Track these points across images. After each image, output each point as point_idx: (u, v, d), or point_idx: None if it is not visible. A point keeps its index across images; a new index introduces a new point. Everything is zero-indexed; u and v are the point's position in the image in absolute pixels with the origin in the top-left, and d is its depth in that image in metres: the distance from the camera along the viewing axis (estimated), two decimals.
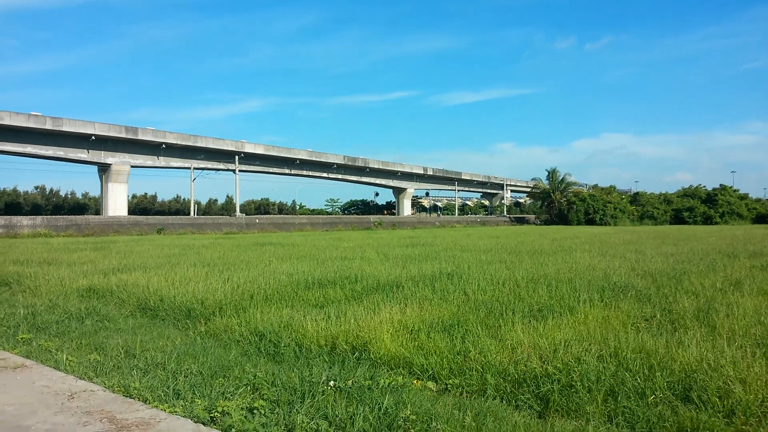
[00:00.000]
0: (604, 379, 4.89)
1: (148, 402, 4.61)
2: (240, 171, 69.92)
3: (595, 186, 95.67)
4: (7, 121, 52.51)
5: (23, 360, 5.90)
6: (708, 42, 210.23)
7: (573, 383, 4.87)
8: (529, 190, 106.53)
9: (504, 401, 4.89)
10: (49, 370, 5.55)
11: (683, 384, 4.80)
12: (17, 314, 8.22)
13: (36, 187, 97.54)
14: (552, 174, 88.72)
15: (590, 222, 77.77)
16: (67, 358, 5.89)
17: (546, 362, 5.32)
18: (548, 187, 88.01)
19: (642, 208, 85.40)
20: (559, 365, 5.17)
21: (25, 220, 43.66)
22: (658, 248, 20.61)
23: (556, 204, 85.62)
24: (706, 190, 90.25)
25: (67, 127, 56.70)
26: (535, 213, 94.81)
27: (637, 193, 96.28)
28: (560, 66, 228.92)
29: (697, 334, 6.11)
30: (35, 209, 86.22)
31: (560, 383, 4.91)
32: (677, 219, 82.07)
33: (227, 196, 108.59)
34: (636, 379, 4.88)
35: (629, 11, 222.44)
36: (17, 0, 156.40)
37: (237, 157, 69.37)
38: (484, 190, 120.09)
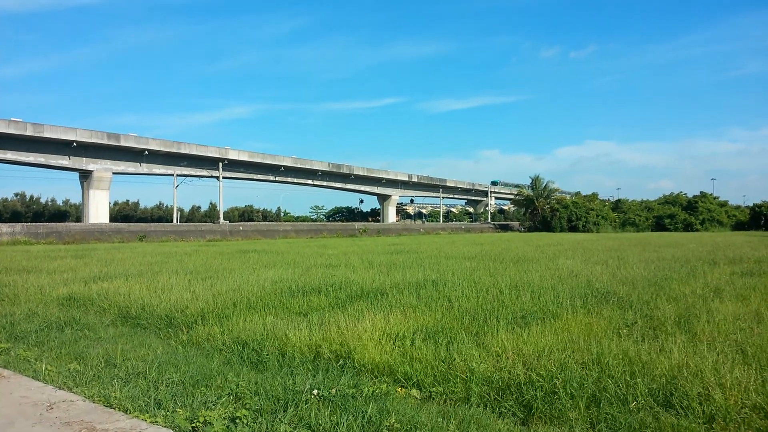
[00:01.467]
0: (587, 386, 4.93)
1: (128, 412, 4.55)
2: (224, 178, 69.57)
3: (578, 193, 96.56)
4: None
5: (1, 370, 5.80)
6: (692, 49, 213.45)
7: (556, 390, 4.89)
8: (513, 197, 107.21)
9: (488, 408, 4.89)
10: (27, 380, 5.46)
11: (665, 390, 4.85)
12: None
13: (16, 194, 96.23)
14: (535, 181, 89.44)
15: (573, 229, 78.39)
16: (46, 368, 5.80)
17: (530, 369, 5.34)
18: (532, 194, 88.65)
19: (624, 215, 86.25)
20: (542, 372, 5.19)
21: (4, 228, 43.01)
22: (640, 255, 20.83)
23: (539, 211, 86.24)
24: (687, 197, 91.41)
25: (48, 134, 56.01)
26: (519, 220, 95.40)
27: (619, 200, 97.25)
28: (545, 74, 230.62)
29: (678, 341, 6.18)
30: (15, 216, 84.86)
31: (543, 390, 4.93)
32: (659, 226, 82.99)
33: (211, 203, 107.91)
34: (618, 386, 4.91)
35: (615, 19, 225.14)
36: (2, 2, 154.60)
37: (221, 163, 69.01)
38: (469, 197, 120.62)
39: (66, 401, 4.79)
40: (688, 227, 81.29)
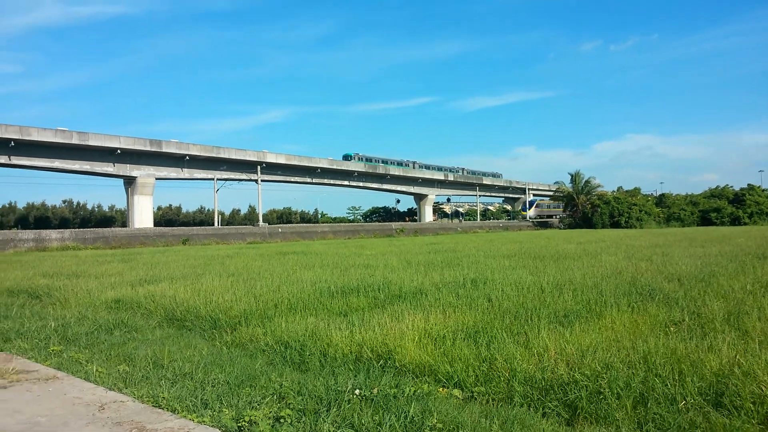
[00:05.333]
0: (634, 385, 4.82)
1: (176, 412, 4.66)
2: (262, 181, 70.52)
3: (620, 188, 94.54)
4: (35, 136, 53.67)
5: (55, 372, 6.00)
6: (734, 38, 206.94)
7: (601, 390, 4.80)
8: (551, 193, 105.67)
9: (531, 409, 4.84)
10: (79, 381, 5.64)
11: (715, 389, 4.71)
12: (48, 327, 8.36)
13: (64, 201, 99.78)
14: (575, 177, 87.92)
15: (615, 225, 76.78)
16: (96, 370, 5.98)
17: (573, 369, 5.25)
18: (571, 190, 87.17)
19: (668, 209, 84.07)
20: (586, 372, 5.10)
21: (53, 234, 44.52)
22: (686, 250, 20.26)
23: (579, 207, 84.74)
24: (733, 190, 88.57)
25: (93, 141, 57.73)
26: (558, 217, 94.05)
27: (662, 195, 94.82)
28: (584, 68, 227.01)
29: (727, 338, 5.99)
30: (63, 223, 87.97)
31: (588, 390, 4.85)
32: (704, 220, 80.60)
33: (250, 206, 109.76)
34: (666, 385, 4.79)
35: (656, 10, 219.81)
36: (42, 17, 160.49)
37: (259, 167, 69.99)
38: (506, 195, 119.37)
39: (116, 402, 4.93)
40: (735, 221, 78.71)
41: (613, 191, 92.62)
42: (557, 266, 14.72)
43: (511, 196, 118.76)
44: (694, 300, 8.66)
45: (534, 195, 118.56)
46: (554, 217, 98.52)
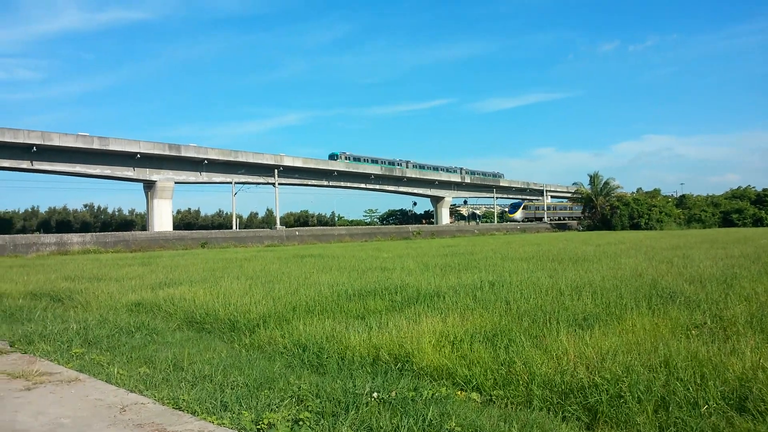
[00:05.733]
0: (655, 389, 4.76)
1: (196, 414, 4.70)
2: (279, 184, 70.93)
3: (639, 189, 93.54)
4: (57, 141, 54.55)
5: (77, 374, 6.10)
6: (753, 36, 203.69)
7: (622, 393, 4.75)
8: (570, 195, 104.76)
9: (550, 413, 4.81)
10: (101, 383, 5.72)
11: (738, 393, 4.64)
12: (70, 329, 8.48)
13: (85, 205, 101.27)
14: (594, 178, 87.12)
15: (635, 227, 75.93)
16: (118, 372, 6.06)
17: (593, 372, 5.21)
18: (590, 191, 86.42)
19: (689, 211, 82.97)
20: (607, 375, 5.05)
21: (75, 237, 45.14)
22: (707, 252, 19.98)
23: (598, 209, 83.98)
24: (755, 191, 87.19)
25: (113, 146, 58.57)
26: (576, 219, 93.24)
27: (683, 196, 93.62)
28: (602, 69, 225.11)
29: (750, 342, 5.89)
30: (84, 226, 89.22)
31: (609, 393, 4.80)
32: (726, 222, 79.43)
33: (267, 209, 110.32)
34: (688, 389, 4.73)
35: (675, 9, 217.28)
36: (63, 24, 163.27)
37: (276, 170, 70.42)
38: (524, 197, 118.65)
39: (138, 404, 4.99)
40: (757, 222, 77.49)
41: (633, 192, 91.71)
42: (576, 269, 14.60)
43: (529, 197, 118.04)
44: (716, 303, 8.54)
45: (552, 197, 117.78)
46: (543, 219, 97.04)
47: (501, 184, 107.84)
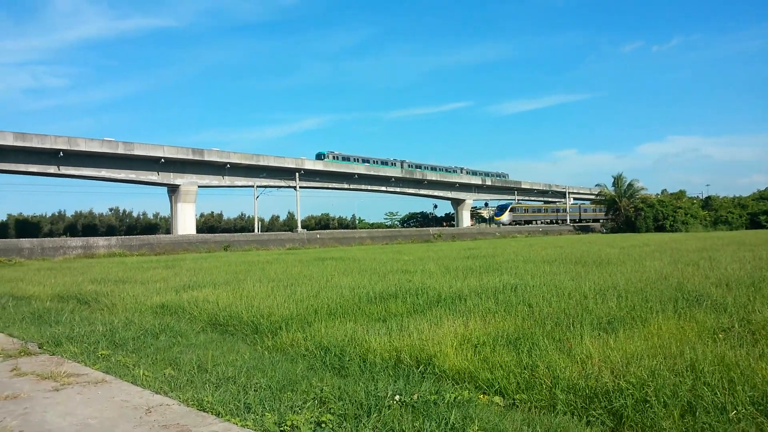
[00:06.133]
0: (681, 394, 4.69)
1: (220, 416, 4.75)
2: (300, 187, 71.34)
3: (664, 191, 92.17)
4: (83, 147, 55.56)
5: (103, 375, 6.19)
6: None
7: (647, 398, 4.69)
8: (593, 197, 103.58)
9: (575, 417, 4.76)
10: (127, 384, 5.81)
11: None
12: (96, 331, 8.62)
13: (110, 209, 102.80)
14: (618, 180, 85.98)
15: (660, 229, 74.79)
16: (143, 374, 6.14)
17: (618, 376, 5.15)
18: (614, 193, 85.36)
19: (715, 213, 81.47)
20: (632, 379, 4.99)
21: (101, 241, 45.91)
22: (734, 255, 19.60)
23: (622, 211, 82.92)
24: None
25: (138, 151, 59.46)
26: (599, 221, 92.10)
27: (709, 198, 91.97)
28: (625, 69, 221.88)
29: None
30: (110, 230, 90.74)
31: (634, 398, 4.74)
32: (754, 223, 77.80)
33: (289, 213, 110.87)
34: (715, 394, 4.65)
35: (700, 8, 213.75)
36: (88, 31, 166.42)
37: (297, 174, 70.83)
38: (546, 199, 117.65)
39: (163, 405, 5.06)
40: None
41: (657, 194, 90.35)
42: (600, 271, 14.44)
43: (551, 200, 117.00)
44: (743, 306, 8.37)
45: (574, 198, 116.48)
46: (534, 222, 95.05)
47: (522, 186, 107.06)
